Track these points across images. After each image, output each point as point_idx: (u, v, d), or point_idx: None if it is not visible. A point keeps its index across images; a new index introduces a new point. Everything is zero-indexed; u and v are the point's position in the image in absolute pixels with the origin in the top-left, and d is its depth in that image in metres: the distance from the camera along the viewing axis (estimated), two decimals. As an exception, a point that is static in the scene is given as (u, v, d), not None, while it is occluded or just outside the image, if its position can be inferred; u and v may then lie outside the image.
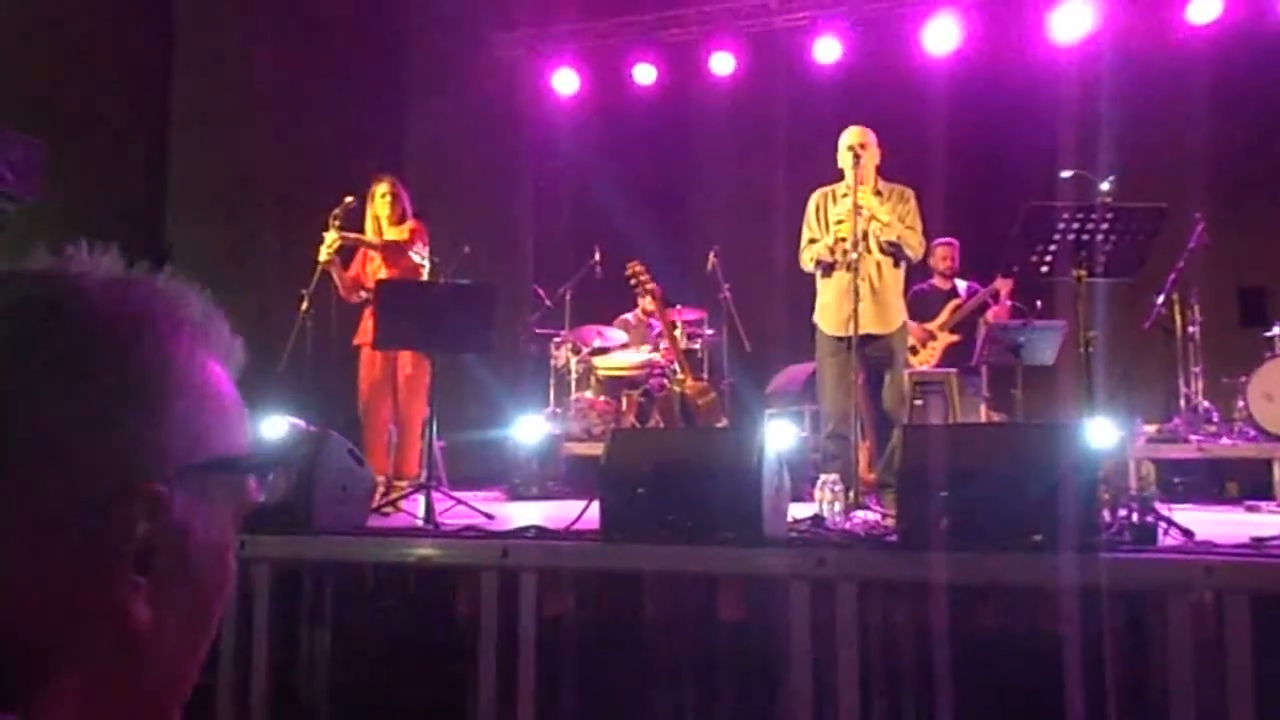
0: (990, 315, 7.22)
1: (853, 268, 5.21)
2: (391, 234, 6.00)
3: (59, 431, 0.64)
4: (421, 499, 4.58)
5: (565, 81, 9.72)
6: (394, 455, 5.90)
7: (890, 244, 5.48)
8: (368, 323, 5.82)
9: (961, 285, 7.43)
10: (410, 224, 6.04)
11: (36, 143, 4.44)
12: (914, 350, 7.03)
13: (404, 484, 5.56)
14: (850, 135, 5.57)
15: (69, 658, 0.64)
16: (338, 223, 5.68)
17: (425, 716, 3.89)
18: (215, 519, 0.72)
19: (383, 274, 5.90)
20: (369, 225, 6.06)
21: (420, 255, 5.84)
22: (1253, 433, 6.59)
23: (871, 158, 5.55)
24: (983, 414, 6.89)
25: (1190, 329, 7.11)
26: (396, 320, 5.04)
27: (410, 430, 5.90)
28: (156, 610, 0.67)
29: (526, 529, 3.97)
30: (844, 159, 5.53)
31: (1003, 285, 7.07)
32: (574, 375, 7.86)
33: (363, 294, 5.92)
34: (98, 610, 0.65)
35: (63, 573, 0.64)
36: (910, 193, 5.61)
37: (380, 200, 6.02)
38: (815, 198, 5.70)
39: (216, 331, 0.74)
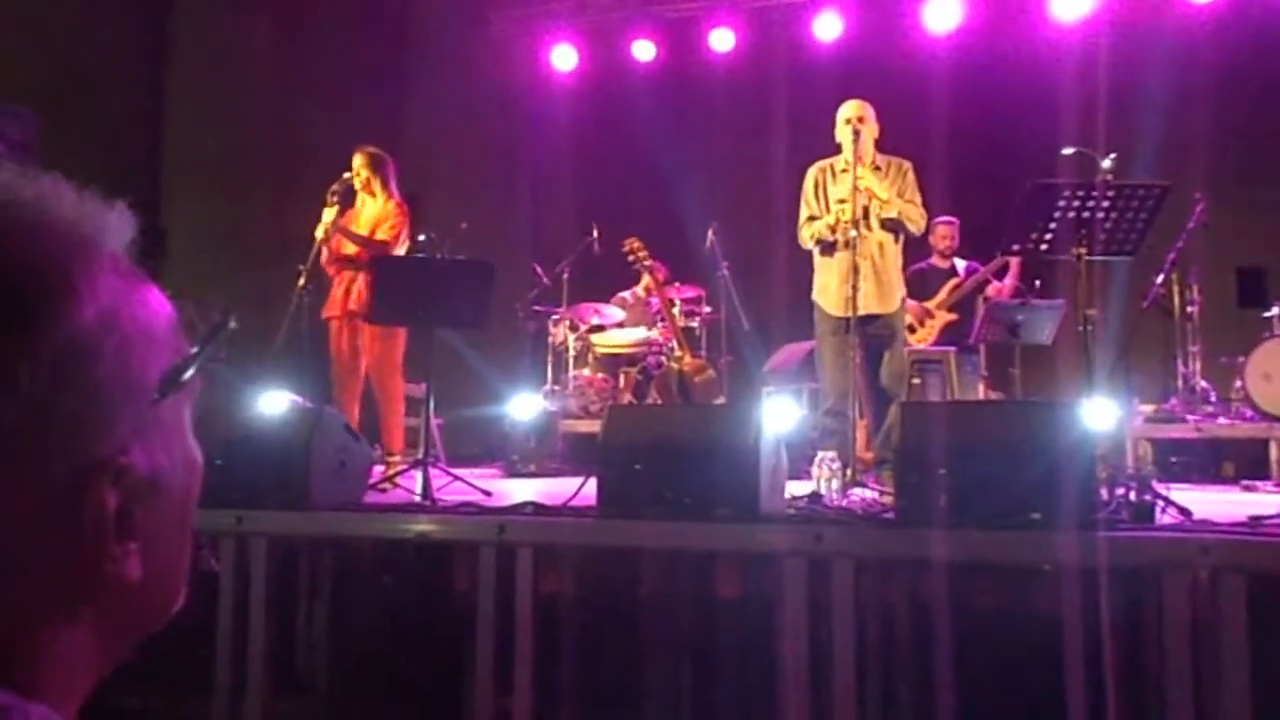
0: (992, 290, 7.20)
1: (852, 245, 5.16)
2: (369, 212, 5.79)
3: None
4: (419, 475, 4.58)
5: (564, 58, 9.66)
6: (380, 432, 5.82)
7: (891, 220, 5.42)
8: (336, 293, 5.75)
9: (960, 264, 7.41)
10: (392, 207, 5.75)
11: (30, 115, 4.42)
12: (912, 329, 7.01)
13: (395, 459, 5.53)
14: (849, 109, 5.47)
15: (68, 624, 0.63)
16: (335, 199, 5.60)
17: (423, 692, 3.90)
18: (175, 432, 0.68)
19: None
20: None
21: (404, 246, 5.71)
22: (1250, 413, 6.59)
23: (870, 132, 5.44)
24: (981, 393, 6.89)
25: (1189, 309, 7.09)
26: (393, 295, 4.97)
27: (389, 405, 5.80)
28: (146, 555, 0.65)
29: (524, 505, 3.97)
30: (842, 133, 5.43)
31: (1009, 260, 7.03)
32: (572, 353, 7.85)
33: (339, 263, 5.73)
34: (94, 584, 0.63)
35: (52, 568, 0.62)
36: (908, 165, 5.53)
37: (355, 180, 5.78)
38: (813, 172, 5.61)
39: (111, 233, 0.66)
